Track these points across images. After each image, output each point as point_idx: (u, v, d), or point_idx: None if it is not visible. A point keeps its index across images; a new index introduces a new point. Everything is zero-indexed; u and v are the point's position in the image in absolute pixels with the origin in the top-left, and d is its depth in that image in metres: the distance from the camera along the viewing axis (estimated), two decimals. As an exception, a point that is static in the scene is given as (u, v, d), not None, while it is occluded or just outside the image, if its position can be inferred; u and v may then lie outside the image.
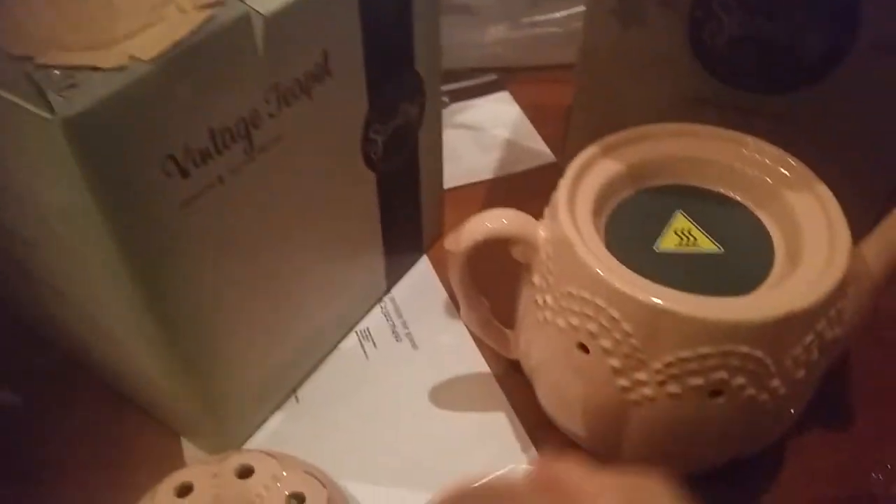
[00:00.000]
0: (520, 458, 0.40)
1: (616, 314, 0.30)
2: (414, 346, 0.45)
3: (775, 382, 0.31)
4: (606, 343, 0.31)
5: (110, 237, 0.28)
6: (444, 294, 0.48)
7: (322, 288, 0.41)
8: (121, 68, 0.26)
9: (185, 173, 0.29)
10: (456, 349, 0.45)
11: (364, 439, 0.41)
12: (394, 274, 0.48)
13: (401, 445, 0.41)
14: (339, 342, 0.45)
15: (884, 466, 0.38)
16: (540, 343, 0.36)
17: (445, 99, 0.62)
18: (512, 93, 0.63)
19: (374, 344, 0.46)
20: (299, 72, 0.32)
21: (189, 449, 0.41)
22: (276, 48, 0.30)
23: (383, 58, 0.36)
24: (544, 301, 0.34)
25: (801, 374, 0.31)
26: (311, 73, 0.32)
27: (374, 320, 0.47)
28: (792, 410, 0.34)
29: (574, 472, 0.26)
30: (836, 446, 0.40)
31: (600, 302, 0.31)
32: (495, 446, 0.41)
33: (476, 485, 0.29)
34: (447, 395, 0.43)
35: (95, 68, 0.26)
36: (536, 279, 0.35)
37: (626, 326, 0.30)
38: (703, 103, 0.41)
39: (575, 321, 0.32)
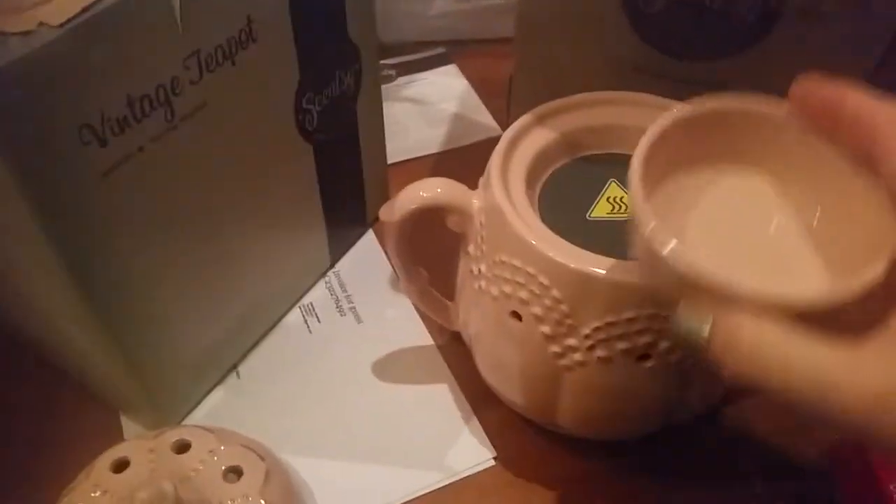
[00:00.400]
0: (462, 428, 0.40)
1: (546, 281, 0.30)
2: (358, 320, 0.45)
3: None
4: (538, 310, 0.31)
5: (29, 210, 0.28)
6: (389, 268, 0.48)
7: (261, 262, 0.41)
8: (27, 33, 0.25)
9: (102, 142, 0.28)
10: (400, 322, 0.45)
11: (307, 414, 0.41)
12: (338, 248, 0.48)
13: (344, 419, 0.41)
14: (281, 317, 0.45)
15: (815, 431, 0.38)
16: (476, 313, 0.36)
17: (392, 73, 0.62)
18: (459, 66, 0.62)
19: (318, 318, 0.45)
20: (221, 38, 0.31)
21: (129, 425, 0.40)
22: (194, 13, 0.29)
23: (313, 25, 0.36)
24: (479, 270, 0.34)
25: None
26: (234, 38, 0.31)
27: (317, 295, 0.47)
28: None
29: (860, 98, 0.21)
30: (770, 412, 0.40)
31: (531, 269, 0.31)
32: (437, 417, 0.41)
33: (719, 107, 0.26)
34: (391, 367, 0.43)
35: (2, 33, 0.25)
36: (471, 249, 0.34)
37: (556, 293, 0.30)
38: (640, 71, 0.41)
39: (508, 289, 0.32)
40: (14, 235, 0.30)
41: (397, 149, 0.54)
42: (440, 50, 0.64)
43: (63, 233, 0.29)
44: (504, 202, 0.32)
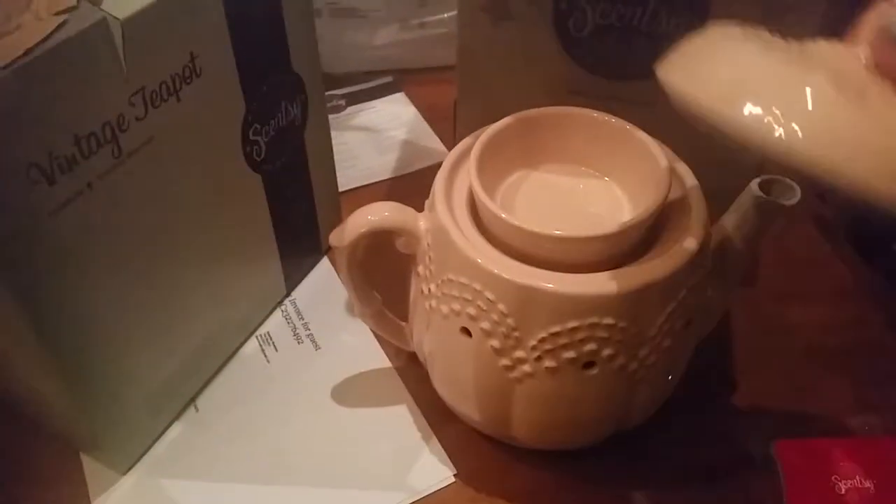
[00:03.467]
0: (422, 447, 0.41)
1: (491, 296, 0.31)
2: (316, 346, 0.46)
3: (644, 351, 0.32)
4: (486, 325, 0.32)
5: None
6: (344, 294, 0.48)
7: (214, 293, 0.41)
8: (-29, 73, 0.26)
9: (51, 180, 0.29)
10: (357, 347, 0.45)
11: (266, 442, 0.41)
12: (293, 276, 0.48)
13: (304, 445, 0.41)
14: (238, 348, 0.45)
15: (761, 430, 0.40)
16: (429, 331, 0.36)
17: (342, 102, 0.63)
18: (407, 93, 0.63)
19: (275, 347, 0.46)
20: (165, 74, 0.32)
21: (88, 462, 0.40)
22: (137, 52, 0.30)
23: (256, 58, 0.37)
24: (429, 290, 0.35)
25: (667, 342, 0.33)
26: (178, 74, 0.32)
27: (274, 324, 0.47)
28: (669, 377, 0.36)
29: None
30: (715, 415, 0.42)
31: (477, 285, 0.32)
32: (397, 438, 0.41)
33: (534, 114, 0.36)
34: (349, 391, 0.43)
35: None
36: (420, 269, 0.35)
37: (502, 307, 0.31)
38: (576, 94, 0.42)
39: (456, 306, 0.33)
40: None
41: (349, 177, 0.55)
42: (388, 79, 0.65)
43: (13, 270, 0.29)
44: (448, 221, 0.33)
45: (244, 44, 0.35)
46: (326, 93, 0.61)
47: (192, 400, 0.43)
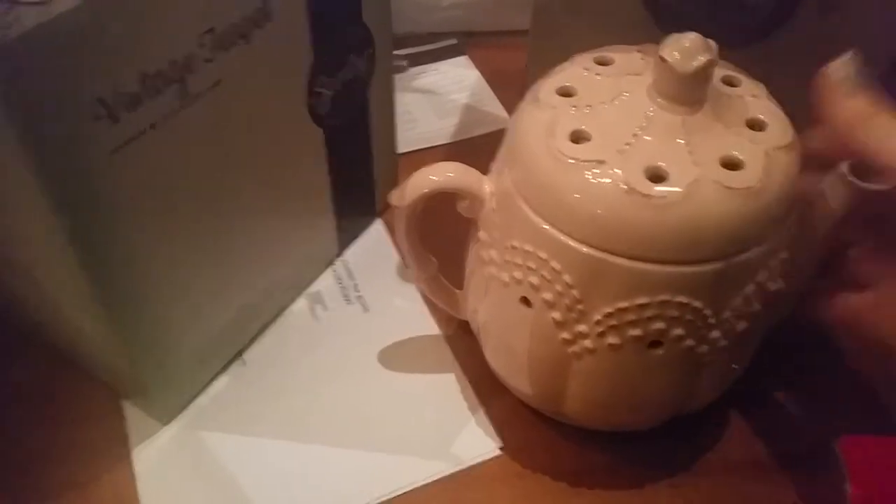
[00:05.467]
0: (468, 418, 0.40)
1: (557, 266, 0.30)
2: (365, 308, 0.45)
3: (715, 334, 0.31)
4: (548, 295, 0.31)
5: (39, 184, 0.27)
6: (397, 258, 0.47)
7: (268, 248, 0.41)
8: (43, 2, 0.25)
9: (115, 118, 0.28)
10: (407, 312, 0.45)
11: (312, 401, 0.41)
12: (346, 237, 0.47)
13: (349, 406, 0.40)
14: (288, 305, 0.45)
15: (824, 426, 0.38)
16: (486, 300, 0.35)
17: (404, 63, 0.61)
18: (471, 57, 0.62)
19: (325, 307, 0.45)
20: (237, 16, 0.31)
21: (131, 411, 0.40)
22: (208, -10, 0.29)
23: (328, 7, 0.36)
24: (490, 256, 0.34)
25: (741, 326, 0.31)
26: (249, 17, 0.31)
27: (325, 283, 0.46)
28: (735, 365, 0.34)
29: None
30: (777, 408, 0.40)
31: (542, 254, 0.30)
32: (443, 407, 0.40)
33: None
34: (397, 356, 0.43)
35: (17, 2, 0.25)
36: (482, 234, 0.34)
37: (567, 278, 0.30)
38: (657, 63, 0.40)
39: (518, 275, 0.32)
40: (24, 210, 0.30)
41: (407, 139, 0.54)
42: (452, 41, 0.63)
43: (72, 212, 0.29)
44: None
45: (316, -11, 0.34)
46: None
47: (240, 354, 0.42)
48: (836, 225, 0.32)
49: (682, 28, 0.39)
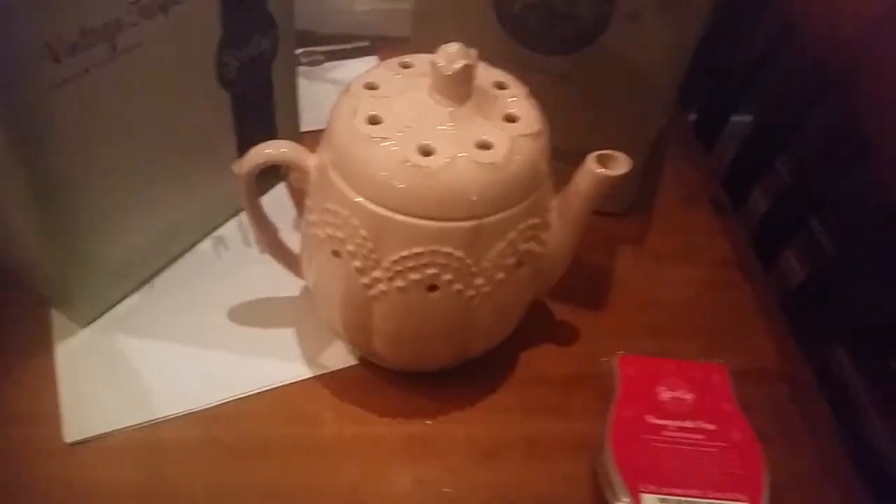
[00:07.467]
0: (333, 338, 0.49)
1: (356, 222, 0.38)
2: (261, 252, 0.53)
3: (478, 281, 0.39)
4: (351, 247, 0.38)
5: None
6: (292, 214, 0.56)
7: (182, 189, 0.49)
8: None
9: (57, 59, 0.37)
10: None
11: (207, 318, 0.49)
12: (251, 193, 0.56)
13: (238, 323, 0.49)
14: (195, 243, 0.53)
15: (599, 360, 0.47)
16: (311, 256, 0.43)
17: (320, 57, 0.71)
18: (381, 57, 0.71)
19: (227, 247, 0.54)
20: (158, -7, 0.40)
21: (57, 317, 0.48)
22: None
23: (236, -8, 0.45)
24: (313, 219, 0.41)
25: (500, 276, 0.39)
26: (168, -5, 0.40)
27: (229, 228, 0.55)
28: (508, 312, 0.43)
29: None
30: (558, 348, 0.49)
31: (345, 212, 0.38)
32: (316, 328, 0.49)
33: None
34: (282, 289, 0.51)
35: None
36: (308, 201, 0.42)
37: (363, 232, 0.38)
38: (507, 62, 0.50)
39: (330, 231, 0.39)
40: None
41: (314, 119, 0.62)
42: (365, 43, 0.73)
43: (18, 131, 0.37)
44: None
45: (227, -22, 0.43)
46: (309, 48, 0.70)
47: (152, 277, 0.51)
48: (585, 202, 0.41)
49: (526, 36, 0.49)
